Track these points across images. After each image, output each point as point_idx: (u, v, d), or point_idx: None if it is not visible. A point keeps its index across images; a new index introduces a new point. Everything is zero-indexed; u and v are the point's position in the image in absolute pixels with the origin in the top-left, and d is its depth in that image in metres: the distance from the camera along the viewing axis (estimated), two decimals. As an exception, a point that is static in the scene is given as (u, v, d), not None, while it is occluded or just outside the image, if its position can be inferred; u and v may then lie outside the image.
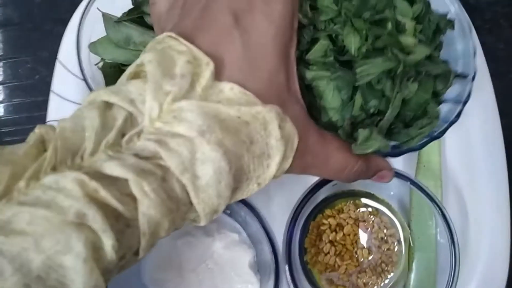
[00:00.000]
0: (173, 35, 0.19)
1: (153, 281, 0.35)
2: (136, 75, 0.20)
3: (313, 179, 0.33)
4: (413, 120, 0.29)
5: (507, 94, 0.42)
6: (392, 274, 0.36)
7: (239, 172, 0.19)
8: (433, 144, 0.34)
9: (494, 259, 0.36)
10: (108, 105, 0.18)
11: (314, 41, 0.27)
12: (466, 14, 0.32)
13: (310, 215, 0.36)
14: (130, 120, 0.18)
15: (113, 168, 0.16)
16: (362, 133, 0.25)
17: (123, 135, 0.18)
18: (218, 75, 0.19)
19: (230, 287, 0.35)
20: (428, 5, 0.30)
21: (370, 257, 0.35)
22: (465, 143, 0.38)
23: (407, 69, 0.26)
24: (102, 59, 0.36)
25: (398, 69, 0.26)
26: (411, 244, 0.36)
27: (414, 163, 0.37)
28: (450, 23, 0.30)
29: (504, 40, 0.44)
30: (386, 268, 0.35)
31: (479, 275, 0.36)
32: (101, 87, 0.33)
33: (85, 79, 0.35)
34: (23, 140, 0.18)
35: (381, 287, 0.35)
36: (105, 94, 0.18)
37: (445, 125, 0.29)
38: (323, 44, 0.27)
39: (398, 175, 0.33)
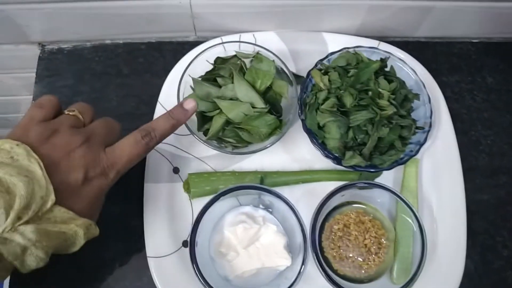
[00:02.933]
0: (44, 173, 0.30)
1: (217, 254, 0.44)
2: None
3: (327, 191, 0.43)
4: (385, 151, 0.43)
5: (468, 146, 0.52)
6: (382, 259, 0.44)
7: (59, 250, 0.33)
8: (412, 174, 0.47)
9: (454, 255, 0.46)
10: None
11: (326, 99, 0.42)
12: (427, 92, 0.45)
13: (326, 218, 0.46)
14: None
15: None
16: (347, 153, 0.41)
17: None
18: (57, 200, 0.31)
19: (271, 261, 0.43)
20: (403, 83, 0.45)
21: (367, 248, 0.44)
22: (436, 174, 0.49)
23: (382, 119, 0.41)
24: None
25: (376, 118, 0.41)
26: (396, 241, 0.45)
27: (399, 186, 0.48)
28: (416, 95, 0.45)
29: (466, 108, 0.55)
30: (377, 255, 0.44)
31: (443, 266, 0.45)
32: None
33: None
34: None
35: (374, 270, 0.44)
36: None
37: (407, 157, 0.43)
38: (332, 100, 0.42)
39: (389, 190, 0.43)
